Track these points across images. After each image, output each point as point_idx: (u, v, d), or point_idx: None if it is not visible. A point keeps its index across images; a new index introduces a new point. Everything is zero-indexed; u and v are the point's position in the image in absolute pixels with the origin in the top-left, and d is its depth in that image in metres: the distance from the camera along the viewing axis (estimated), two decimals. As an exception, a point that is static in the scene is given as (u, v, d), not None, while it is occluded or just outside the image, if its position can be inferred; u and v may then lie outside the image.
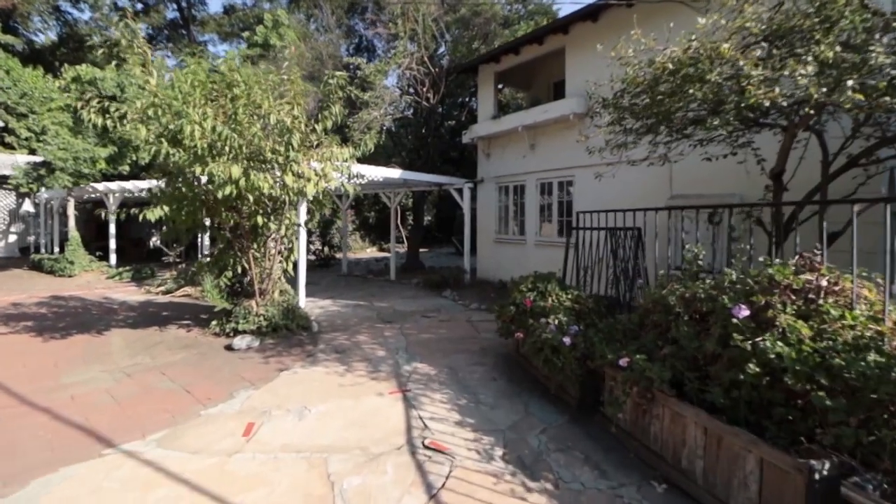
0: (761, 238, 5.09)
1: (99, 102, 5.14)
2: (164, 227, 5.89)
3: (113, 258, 13.18)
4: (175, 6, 30.35)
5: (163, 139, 4.92)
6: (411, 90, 13.73)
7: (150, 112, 4.87)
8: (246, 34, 23.18)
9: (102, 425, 3.70)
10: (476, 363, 5.28)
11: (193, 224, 5.64)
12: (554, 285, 4.80)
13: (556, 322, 4.24)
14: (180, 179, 5.11)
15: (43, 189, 13.09)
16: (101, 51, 13.77)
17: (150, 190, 5.83)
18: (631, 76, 4.95)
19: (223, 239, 6.13)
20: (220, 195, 4.70)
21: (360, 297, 10.13)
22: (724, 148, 5.73)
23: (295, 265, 6.66)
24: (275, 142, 5.07)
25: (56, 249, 15.00)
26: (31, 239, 18.10)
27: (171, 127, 4.73)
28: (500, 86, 12.72)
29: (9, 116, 18.04)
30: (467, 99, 16.12)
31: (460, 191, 11.58)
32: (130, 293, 10.17)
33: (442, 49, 13.86)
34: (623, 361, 3.30)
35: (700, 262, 3.79)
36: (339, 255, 16.73)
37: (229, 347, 5.74)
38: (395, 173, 9.69)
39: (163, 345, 6.00)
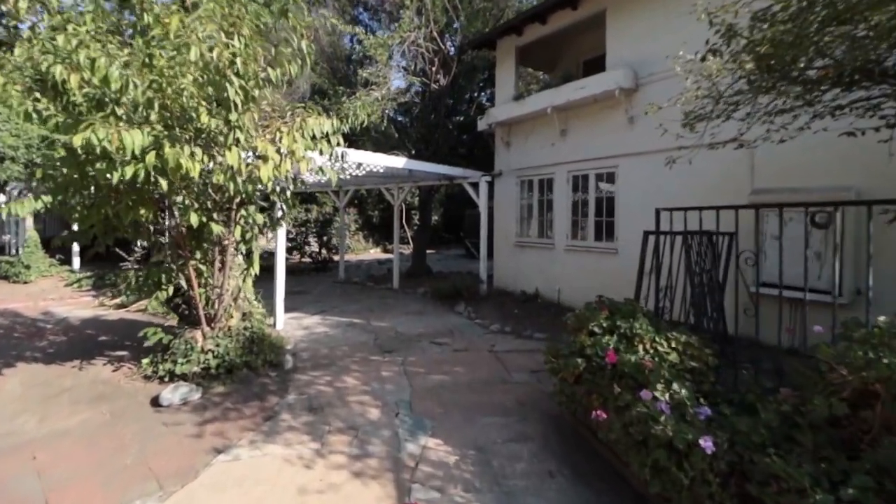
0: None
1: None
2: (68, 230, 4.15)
3: (76, 262, 11.52)
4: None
5: (36, 93, 3.24)
6: (418, 71, 11.97)
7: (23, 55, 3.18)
8: None
9: None
10: (517, 436, 3.50)
11: (108, 224, 3.92)
12: (643, 323, 3.02)
13: (668, 397, 2.47)
14: (62, 155, 3.38)
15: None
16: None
17: (31, 172, 4.12)
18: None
19: (156, 245, 4.43)
20: (115, 179, 2.99)
21: (355, 311, 8.39)
22: (854, 120, 3.86)
23: (267, 272, 4.91)
24: (211, 100, 3.35)
25: (20, 250, 13.37)
26: (7, 238, 16.52)
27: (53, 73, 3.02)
28: (520, 66, 10.93)
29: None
30: (476, 94, 14.44)
31: (476, 185, 9.81)
32: (81, 306, 8.48)
33: (455, 25, 12.07)
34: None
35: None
36: (338, 257, 15.00)
37: (157, 402, 4.00)
38: (398, 162, 7.94)
39: (70, 394, 4.28)
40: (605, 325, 3.13)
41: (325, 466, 3.06)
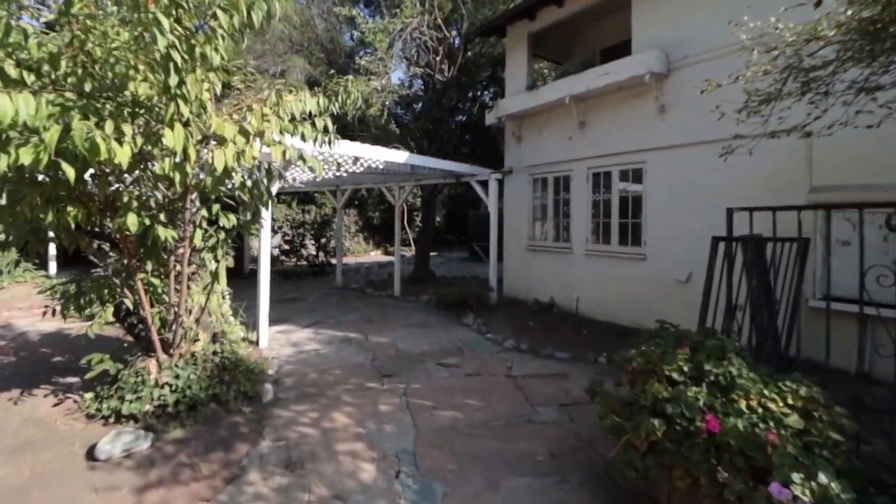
0: None
1: None
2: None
3: (52, 267, 10.69)
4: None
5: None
6: (422, 64, 11.13)
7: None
8: None
9: None
10: (554, 508, 2.65)
11: (33, 226, 3.08)
12: (742, 368, 2.16)
13: (809, 493, 1.61)
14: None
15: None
16: None
17: None
18: None
19: (99, 253, 3.59)
20: (2, 166, 2.14)
21: (352, 323, 7.53)
22: None
23: (225, 278, 4.06)
24: (151, 62, 2.50)
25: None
26: None
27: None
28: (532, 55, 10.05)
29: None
30: (479, 92, 13.61)
31: (484, 184, 8.95)
32: (47, 318, 7.61)
33: (461, 11, 11.21)
34: None
35: None
36: (336, 261, 14.14)
37: (92, 454, 3.15)
38: (399, 157, 7.08)
39: (-10, 439, 3.44)
40: (686, 368, 2.27)
41: (297, 567, 2.20)
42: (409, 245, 19.62)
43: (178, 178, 2.59)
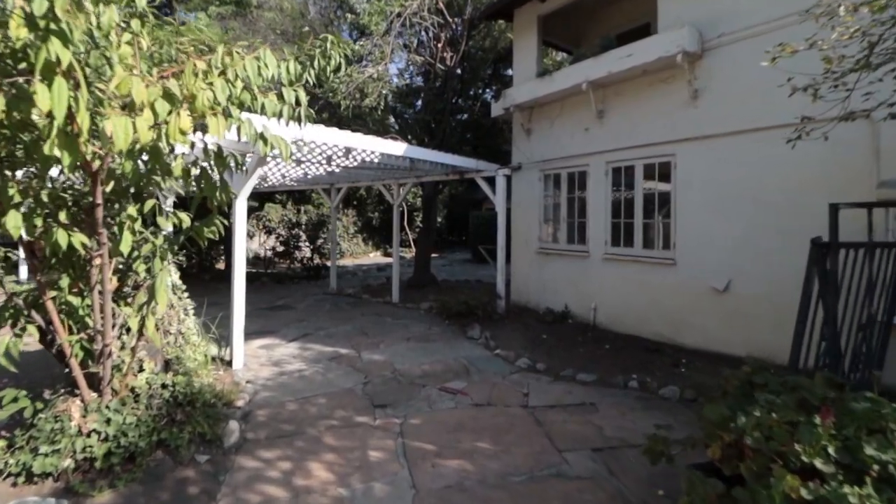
0: None
1: None
2: None
3: (22, 271, 9.90)
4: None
5: None
6: (421, 50, 10.33)
7: None
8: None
9: None
10: None
11: None
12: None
13: None
14: None
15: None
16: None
17: None
18: None
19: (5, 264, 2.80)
20: None
21: (345, 335, 6.73)
22: None
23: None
24: None
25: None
26: None
27: None
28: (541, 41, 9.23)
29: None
30: (481, 90, 12.83)
31: (492, 181, 8.14)
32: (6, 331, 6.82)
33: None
34: None
35: None
36: (337, 262, 13.35)
37: (-22, 537, 2.35)
38: (397, 149, 6.26)
39: None
40: (833, 451, 1.47)
41: None
42: (410, 246, 18.86)
43: (66, 159, 1.79)
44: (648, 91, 6.56)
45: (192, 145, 2.43)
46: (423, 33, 9.87)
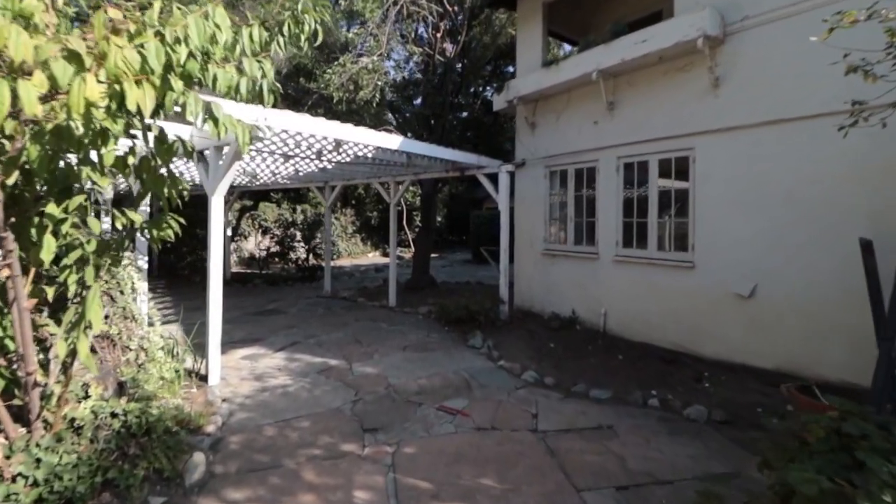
0: None
1: None
2: None
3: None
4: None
5: None
6: (420, 41, 9.83)
7: None
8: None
9: None
10: None
11: None
12: None
13: None
14: None
15: None
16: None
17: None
18: None
19: None
20: None
21: (336, 344, 6.25)
22: None
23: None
24: None
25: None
26: None
27: None
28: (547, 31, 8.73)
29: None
30: (481, 87, 12.37)
31: (494, 178, 7.65)
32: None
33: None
34: None
35: None
36: (334, 263, 12.85)
37: None
38: (392, 142, 5.76)
39: None
40: None
41: None
42: (409, 246, 18.38)
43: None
44: (664, 80, 6.06)
45: (129, 129, 1.94)
46: (421, 22, 9.38)
